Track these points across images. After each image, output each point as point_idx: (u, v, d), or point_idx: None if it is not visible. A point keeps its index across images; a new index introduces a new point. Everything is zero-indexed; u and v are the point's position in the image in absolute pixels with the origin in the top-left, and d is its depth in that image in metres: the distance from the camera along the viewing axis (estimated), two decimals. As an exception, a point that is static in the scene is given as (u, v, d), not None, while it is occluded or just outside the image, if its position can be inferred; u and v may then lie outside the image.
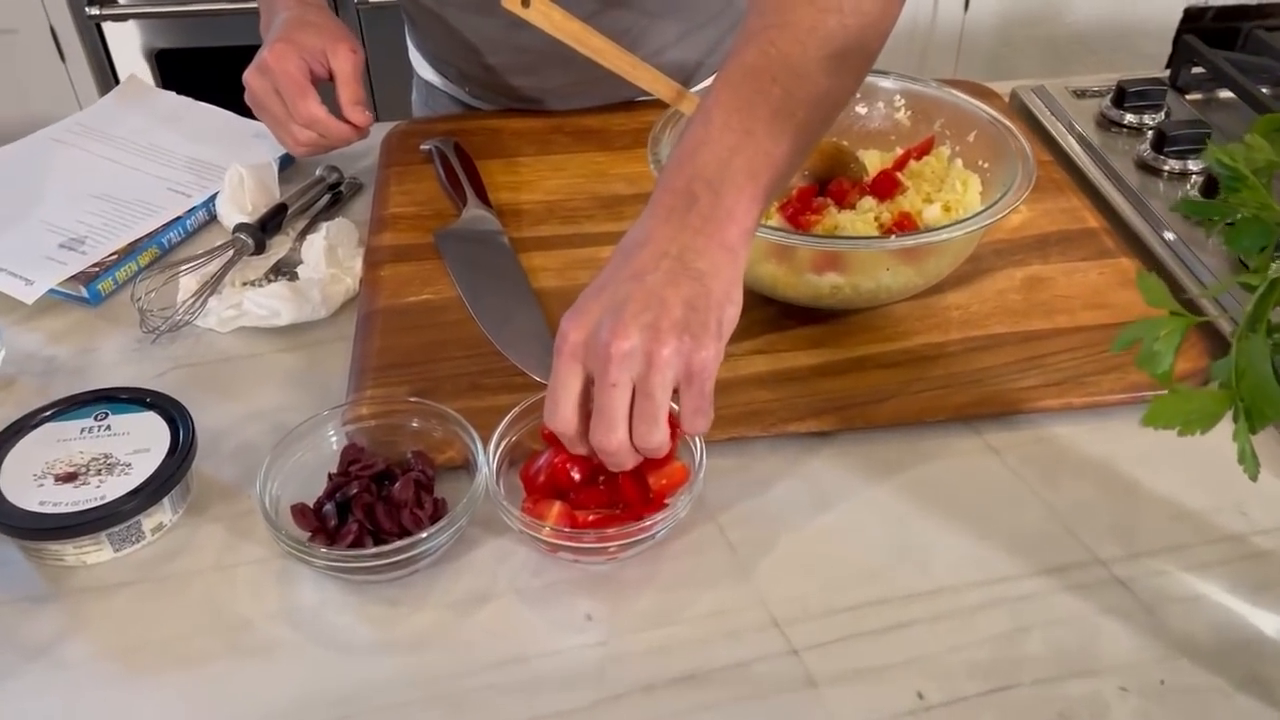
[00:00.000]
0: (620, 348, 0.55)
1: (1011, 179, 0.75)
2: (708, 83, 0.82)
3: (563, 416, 0.59)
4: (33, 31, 2.01)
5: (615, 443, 0.57)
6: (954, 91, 0.84)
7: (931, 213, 0.78)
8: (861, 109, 0.87)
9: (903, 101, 0.86)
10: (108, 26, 2.05)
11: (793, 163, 0.63)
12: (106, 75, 2.11)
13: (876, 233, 0.77)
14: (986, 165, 0.81)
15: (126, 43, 2.08)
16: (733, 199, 0.59)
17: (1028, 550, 0.65)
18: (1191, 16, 2.31)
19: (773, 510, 0.68)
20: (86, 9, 2.00)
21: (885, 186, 0.79)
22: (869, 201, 0.78)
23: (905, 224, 0.77)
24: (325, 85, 0.91)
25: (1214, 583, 0.63)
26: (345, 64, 0.88)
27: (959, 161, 0.83)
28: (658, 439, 0.58)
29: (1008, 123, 0.80)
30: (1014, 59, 2.31)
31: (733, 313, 0.59)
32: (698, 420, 0.59)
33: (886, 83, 0.87)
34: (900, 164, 0.84)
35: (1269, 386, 0.46)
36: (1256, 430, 0.47)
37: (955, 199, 0.79)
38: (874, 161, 0.85)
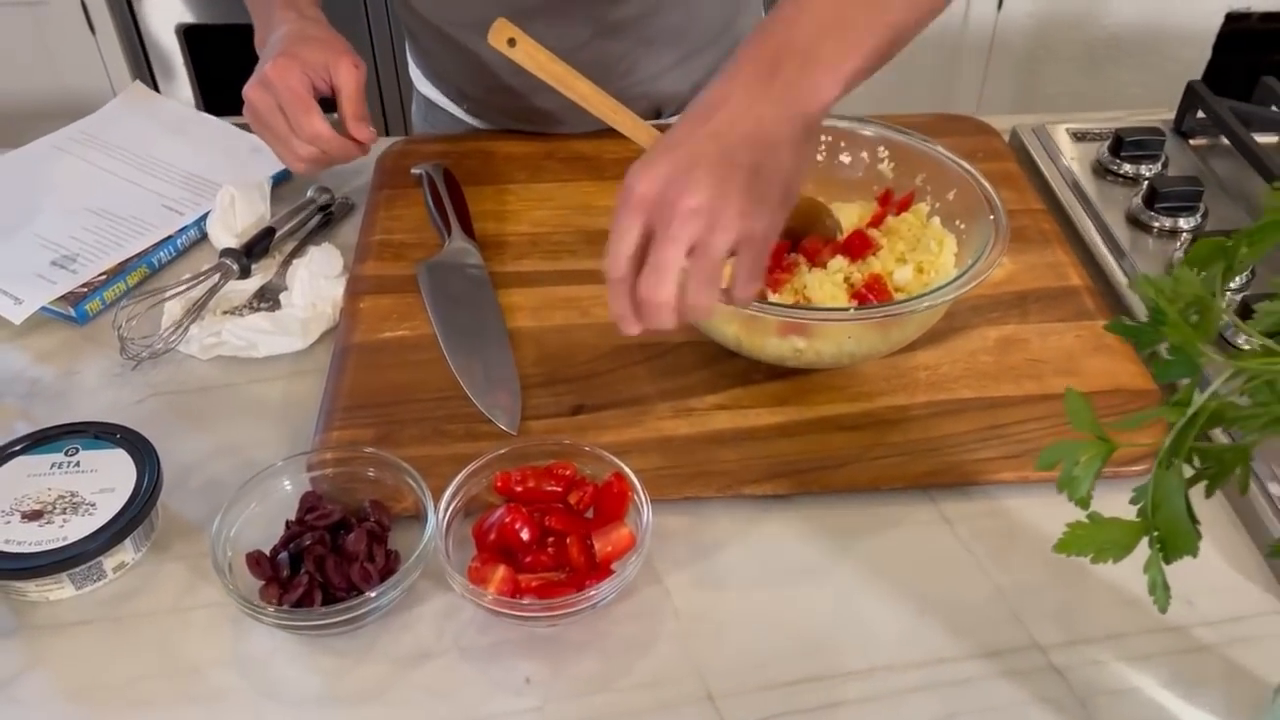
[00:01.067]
0: (687, 204, 0.57)
1: (984, 246, 0.75)
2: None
3: (616, 262, 0.60)
4: (63, 4, 2.03)
5: (663, 295, 0.59)
6: (937, 146, 0.83)
7: (903, 275, 0.78)
8: (845, 158, 0.86)
9: (886, 152, 0.86)
10: (138, 2, 2.07)
11: (876, 62, 0.64)
12: (136, 49, 2.13)
13: (844, 293, 0.77)
14: (963, 226, 0.80)
15: (156, 16, 2.10)
16: (818, 75, 0.61)
17: (969, 630, 0.65)
18: (1234, 19, 2.26)
19: (721, 575, 0.69)
20: (116, -16, 2.02)
21: (857, 246, 0.79)
22: (840, 261, 0.78)
23: (875, 286, 0.76)
24: (326, 99, 0.91)
25: (1150, 676, 0.63)
26: (348, 79, 0.87)
27: (936, 220, 0.82)
28: (707, 298, 0.60)
29: (988, 186, 0.79)
30: (1047, 61, 2.27)
31: (797, 186, 0.62)
32: (750, 285, 0.62)
33: (868, 131, 0.86)
34: (878, 219, 0.84)
35: (1182, 521, 0.46)
36: (1170, 562, 0.47)
37: (929, 260, 0.79)
38: (853, 217, 0.84)
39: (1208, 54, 2.29)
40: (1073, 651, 0.64)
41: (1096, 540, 0.47)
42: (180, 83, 2.19)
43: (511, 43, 0.82)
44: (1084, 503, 0.48)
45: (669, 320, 0.60)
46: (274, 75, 0.83)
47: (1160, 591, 0.47)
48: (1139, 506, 0.48)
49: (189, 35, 2.12)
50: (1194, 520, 0.46)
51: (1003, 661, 0.63)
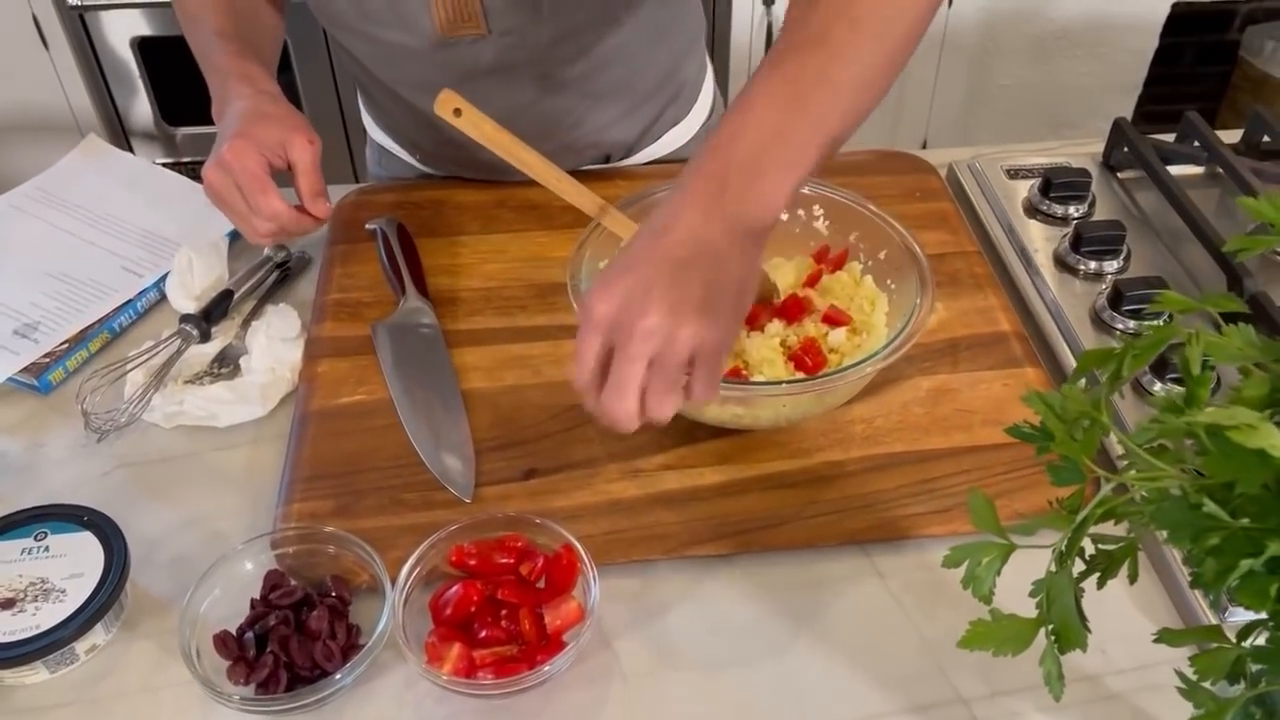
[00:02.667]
0: (644, 324, 0.61)
1: (913, 308, 0.79)
2: (633, 199, 0.86)
3: (581, 377, 0.65)
4: (14, 19, 2.02)
5: (624, 410, 0.63)
6: (870, 205, 0.87)
7: (837, 337, 0.82)
8: (783, 215, 0.89)
9: (821, 211, 0.89)
10: (91, 16, 2.06)
11: (820, 161, 0.67)
12: (90, 62, 2.13)
13: (780, 357, 0.80)
14: (894, 286, 0.84)
15: (109, 30, 2.09)
16: (764, 188, 0.64)
17: (899, 685, 0.70)
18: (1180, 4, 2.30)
19: (668, 638, 0.73)
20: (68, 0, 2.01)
21: (793, 310, 0.83)
22: (777, 325, 0.82)
23: (810, 349, 0.80)
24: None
25: (1065, 726, 0.67)
26: (303, 156, 0.89)
27: (869, 279, 0.86)
28: (668, 409, 0.64)
29: (918, 249, 0.83)
30: (997, 54, 2.30)
31: (750, 297, 0.66)
32: (708, 391, 0.65)
33: (805, 189, 0.89)
34: (815, 277, 0.87)
35: (1072, 618, 0.50)
36: (1063, 653, 0.51)
37: (862, 320, 0.83)
38: (790, 276, 0.88)
39: (1155, 42, 2.34)
40: (994, 704, 0.69)
41: (997, 636, 0.51)
42: (137, 96, 2.18)
43: (457, 112, 0.85)
44: (986, 599, 0.52)
45: (632, 426, 0.64)
46: (230, 157, 0.86)
47: (1055, 683, 0.51)
48: (1036, 600, 0.52)
49: (144, 47, 2.12)
50: (1082, 617, 0.50)
51: (929, 716, 0.68)
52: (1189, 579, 0.47)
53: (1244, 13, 2.64)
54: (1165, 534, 0.47)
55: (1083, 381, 0.53)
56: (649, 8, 0.97)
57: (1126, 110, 2.39)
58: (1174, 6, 2.30)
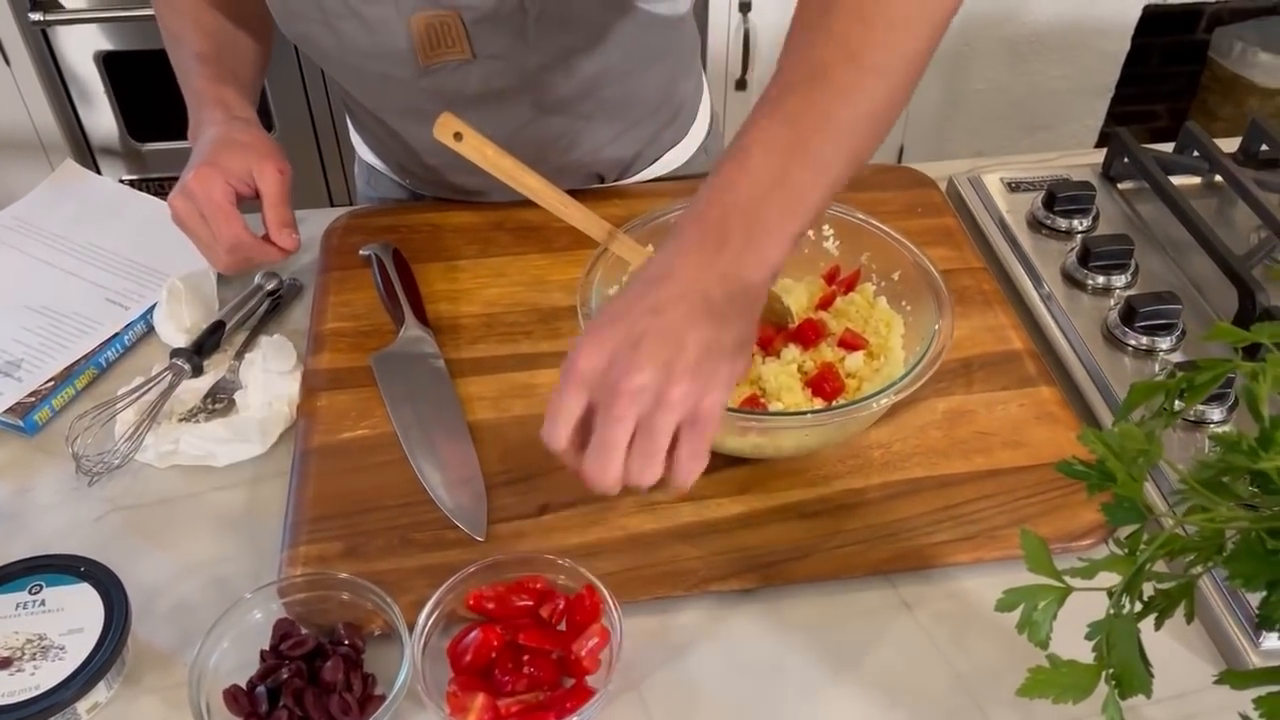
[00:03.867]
0: (632, 384, 0.57)
1: (930, 332, 0.77)
2: (638, 222, 0.84)
3: (558, 438, 0.60)
4: (-26, 35, 1.97)
5: (610, 476, 0.59)
6: (881, 225, 0.85)
7: (854, 361, 0.80)
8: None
9: (831, 230, 0.87)
10: (53, 31, 2.01)
11: (823, 208, 0.64)
12: (54, 78, 2.07)
13: (798, 383, 0.79)
14: (909, 308, 0.83)
15: (73, 45, 2.05)
16: (764, 242, 0.60)
17: (932, 722, 0.68)
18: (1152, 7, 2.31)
19: (693, 676, 0.71)
20: (29, 14, 1.96)
21: (808, 334, 0.81)
22: (793, 351, 0.80)
23: (827, 374, 0.78)
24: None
25: (1104, 760, 0.66)
26: (271, 185, 0.88)
27: (883, 300, 0.85)
28: (652, 476, 0.59)
29: (933, 270, 0.81)
30: (973, 57, 2.31)
31: (745, 360, 0.61)
32: (694, 463, 0.60)
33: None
34: (827, 299, 0.86)
35: (1135, 662, 0.49)
36: (1125, 699, 0.50)
37: (878, 343, 0.81)
38: (802, 299, 0.86)
39: (1127, 45, 2.35)
40: (1033, 740, 0.67)
41: (1057, 684, 0.50)
42: (102, 111, 2.13)
43: (458, 137, 0.83)
44: (1043, 645, 0.51)
45: (615, 490, 0.60)
46: (195, 186, 0.85)
47: (1118, 727, 0.49)
48: (1094, 642, 0.50)
49: (109, 62, 2.07)
50: (1145, 660, 0.49)
51: (966, 754, 0.66)
52: (1256, 619, 0.46)
53: (1210, 14, 2.67)
54: (1228, 573, 0.46)
55: (1135, 414, 0.51)
56: (638, 30, 0.95)
57: (1100, 112, 2.41)
58: (1145, 9, 2.31)
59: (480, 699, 0.65)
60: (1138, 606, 0.50)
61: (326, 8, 0.85)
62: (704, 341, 0.57)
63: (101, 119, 2.15)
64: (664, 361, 0.56)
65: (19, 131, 2.11)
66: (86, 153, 2.19)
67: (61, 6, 1.97)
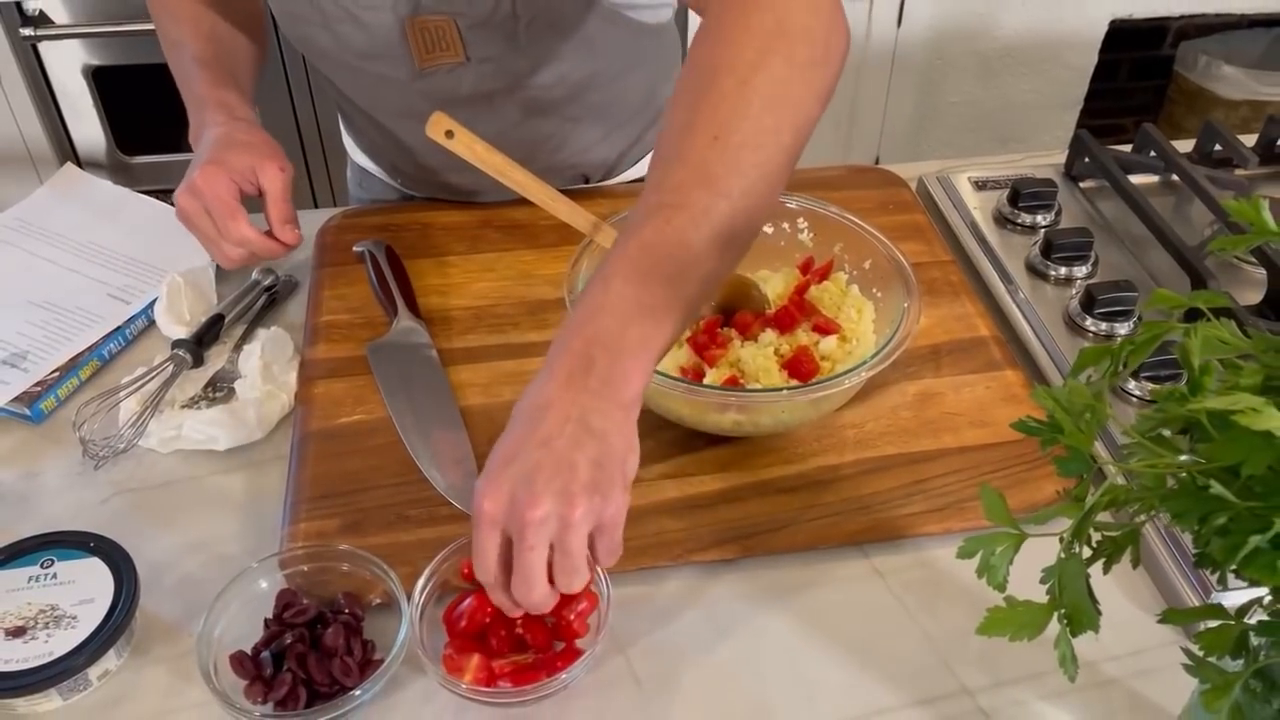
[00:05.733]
0: (535, 515, 0.60)
1: (900, 315, 0.82)
2: (622, 215, 0.88)
3: (486, 574, 0.64)
4: (-36, 51, 1.99)
5: (536, 598, 0.63)
6: (853, 218, 0.90)
7: (828, 344, 0.84)
8: (768, 229, 0.92)
9: (805, 224, 0.92)
10: (43, 46, 2.04)
11: (681, 329, 0.68)
12: (44, 93, 2.10)
13: (775, 364, 0.83)
14: (880, 294, 0.87)
15: (63, 61, 2.07)
16: (628, 364, 0.64)
17: (905, 680, 0.72)
18: (1118, 22, 2.38)
19: (677, 641, 0.74)
20: (20, 29, 1.99)
21: (786, 320, 0.85)
22: (770, 335, 0.84)
23: (802, 357, 0.83)
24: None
25: (1067, 713, 0.70)
26: (274, 183, 0.92)
27: (855, 287, 0.89)
28: (580, 583, 0.64)
29: (901, 258, 0.86)
30: (946, 71, 2.37)
31: (634, 461, 0.65)
32: (611, 558, 0.65)
33: (791, 204, 0.92)
34: (803, 288, 0.90)
35: (1084, 601, 0.53)
36: (1075, 635, 0.54)
37: (851, 327, 0.85)
38: (779, 287, 0.90)
39: (1094, 59, 2.42)
40: (997, 694, 0.71)
41: (1014, 622, 0.54)
42: (91, 125, 2.16)
43: (449, 134, 0.87)
44: (1001, 587, 0.55)
45: (547, 607, 0.64)
46: (201, 183, 0.88)
47: (1069, 664, 0.53)
48: (1048, 586, 0.54)
49: (98, 77, 2.10)
50: (1093, 599, 0.53)
51: (937, 708, 0.70)
52: (1194, 557, 0.50)
53: (1176, 29, 2.75)
54: (1169, 517, 0.50)
55: (1083, 376, 0.55)
56: (626, 35, 0.99)
57: (1069, 125, 2.47)
58: (1111, 23, 2.38)
59: (475, 659, 0.68)
60: (1087, 552, 0.55)
61: (326, 11, 0.89)
62: (592, 459, 0.61)
63: (90, 133, 2.17)
64: (559, 489, 0.60)
65: (8, 145, 2.14)
66: (76, 166, 2.21)
67: (51, 22, 2.00)
